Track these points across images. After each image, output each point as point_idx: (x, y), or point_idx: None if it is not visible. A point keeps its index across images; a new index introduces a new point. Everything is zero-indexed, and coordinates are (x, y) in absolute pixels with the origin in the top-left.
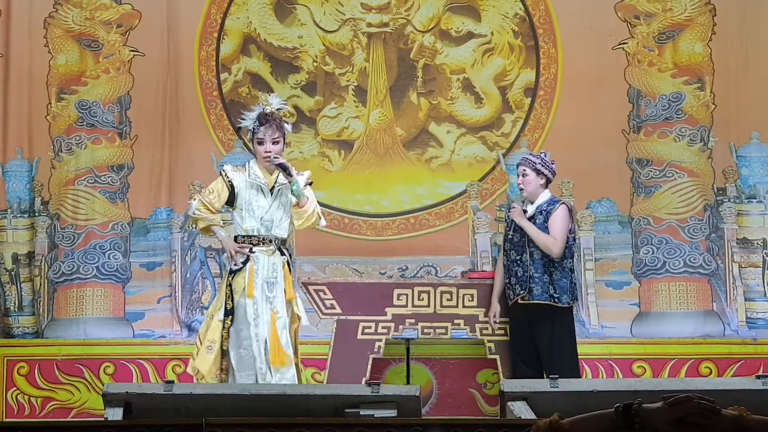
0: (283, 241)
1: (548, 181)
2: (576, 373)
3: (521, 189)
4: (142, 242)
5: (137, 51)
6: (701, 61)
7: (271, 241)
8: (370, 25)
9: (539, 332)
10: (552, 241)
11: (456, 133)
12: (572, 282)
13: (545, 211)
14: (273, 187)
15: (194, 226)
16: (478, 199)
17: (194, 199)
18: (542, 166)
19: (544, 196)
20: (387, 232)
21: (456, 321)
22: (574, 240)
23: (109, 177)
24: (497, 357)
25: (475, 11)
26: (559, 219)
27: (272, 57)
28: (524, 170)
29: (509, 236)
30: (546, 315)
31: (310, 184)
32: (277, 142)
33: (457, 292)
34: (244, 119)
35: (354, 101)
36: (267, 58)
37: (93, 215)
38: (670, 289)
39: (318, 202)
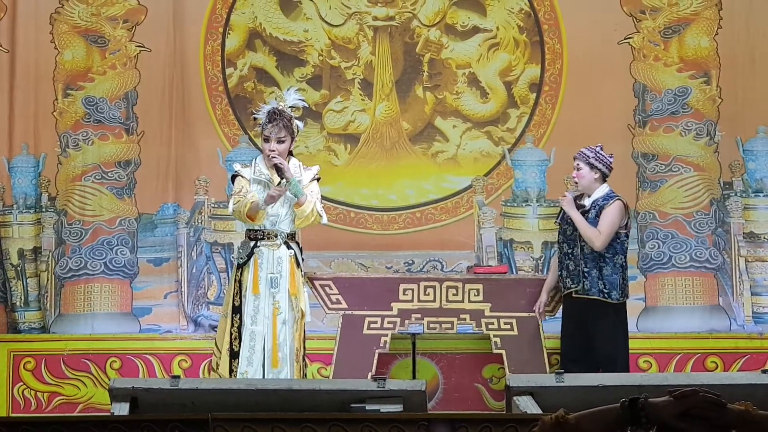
0: (291, 236)
1: (604, 176)
2: (626, 369)
3: (576, 183)
4: (149, 238)
5: (143, 46)
6: (707, 55)
7: (276, 236)
8: (375, 18)
9: (591, 327)
10: (595, 234)
11: (462, 128)
12: (624, 278)
13: (599, 206)
14: (279, 183)
15: (246, 218)
16: (483, 194)
17: (230, 204)
18: (596, 160)
19: (602, 190)
20: (393, 226)
21: (462, 316)
22: (627, 236)
23: (116, 173)
24: (503, 352)
25: (480, 6)
26: (609, 214)
27: (278, 51)
28: (578, 164)
29: (563, 228)
30: (597, 310)
31: (318, 179)
32: (283, 142)
33: (463, 287)
34: (260, 111)
35: (360, 95)
36: (272, 52)
37: (100, 211)
38: (676, 283)
39: (324, 196)
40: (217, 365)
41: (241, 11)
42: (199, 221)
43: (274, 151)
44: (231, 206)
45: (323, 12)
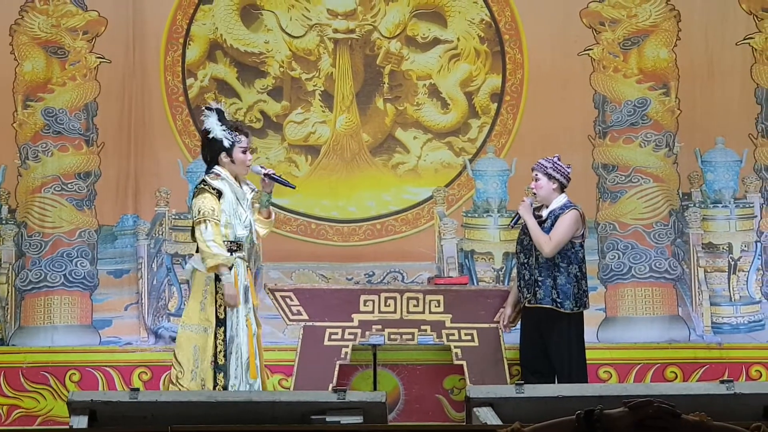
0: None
1: (562, 186)
2: (583, 379)
3: (534, 194)
4: (109, 249)
5: (103, 58)
6: (666, 66)
7: (245, 247)
8: (336, 31)
9: (546, 337)
10: (545, 240)
11: (422, 139)
12: (580, 289)
13: (555, 215)
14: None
15: (210, 263)
16: (444, 205)
17: (203, 225)
18: (554, 170)
19: (559, 200)
20: (354, 237)
21: (423, 327)
22: (582, 246)
23: (76, 184)
24: (464, 363)
25: (441, 17)
26: (563, 223)
27: (238, 62)
28: (536, 175)
29: (520, 238)
30: (551, 319)
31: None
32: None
33: (424, 298)
34: (208, 116)
35: (320, 106)
36: (233, 63)
37: (60, 223)
38: (636, 294)
39: (284, 207)
40: (177, 378)
41: (202, 22)
42: (160, 233)
43: (250, 160)
44: (210, 232)
45: (284, 23)
